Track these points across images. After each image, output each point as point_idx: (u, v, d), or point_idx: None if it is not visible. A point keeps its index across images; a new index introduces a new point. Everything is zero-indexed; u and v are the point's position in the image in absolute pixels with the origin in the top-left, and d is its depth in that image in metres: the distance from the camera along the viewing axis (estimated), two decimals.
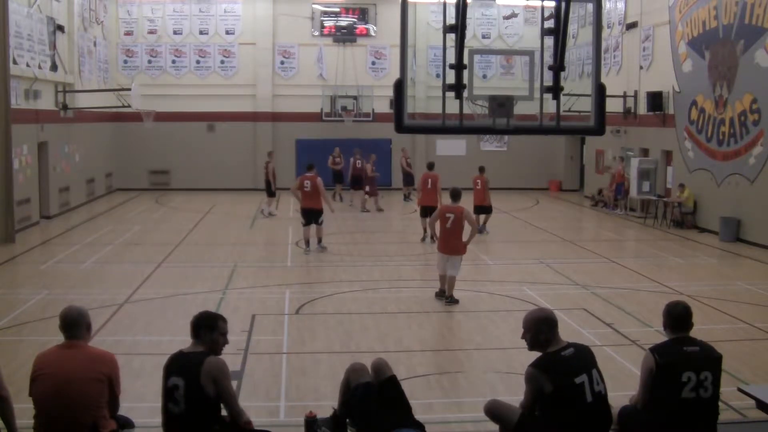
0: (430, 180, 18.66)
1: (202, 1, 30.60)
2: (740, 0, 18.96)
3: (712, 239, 19.39)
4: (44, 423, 5.33)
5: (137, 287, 13.58)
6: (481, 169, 20.59)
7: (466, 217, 12.65)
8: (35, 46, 20.62)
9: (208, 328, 5.50)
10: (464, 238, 12.74)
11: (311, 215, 17.16)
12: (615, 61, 26.59)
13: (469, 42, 6.75)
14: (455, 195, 13.01)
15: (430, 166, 19.63)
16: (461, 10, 6.37)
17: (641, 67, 24.66)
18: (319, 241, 17.47)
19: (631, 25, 25.28)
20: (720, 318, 11.69)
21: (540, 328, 5.51)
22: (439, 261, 12.92)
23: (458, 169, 28.28)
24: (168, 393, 5.38)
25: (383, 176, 30.75)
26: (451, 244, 12.60)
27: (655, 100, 23.07)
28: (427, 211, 18.15)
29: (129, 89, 24.97)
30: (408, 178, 27.51)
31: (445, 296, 12.65)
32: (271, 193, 23.61)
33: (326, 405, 6.85)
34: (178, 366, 5.42)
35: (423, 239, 18.79)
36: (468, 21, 6.50)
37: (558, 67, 6.63)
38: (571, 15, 6.74)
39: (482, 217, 20.08)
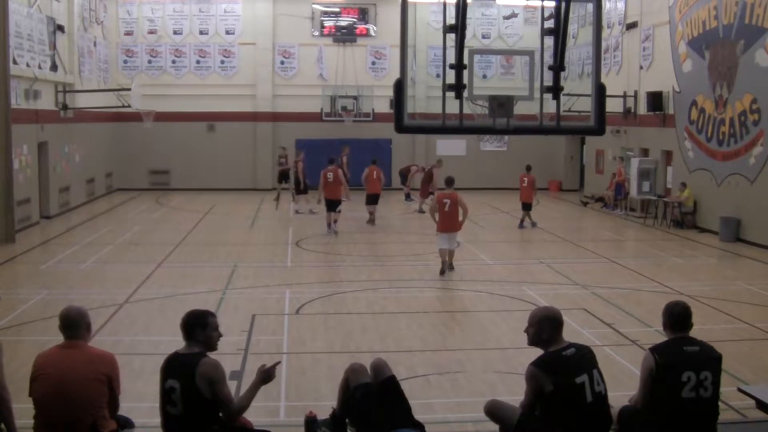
0: (375, 172, 22.00)
1: (202, 1, 30.59)
2: (740, 0, 18.96)
3: (712, 239, 19.39)
4: (44, 423, 5.33)
5: (137, 287, 13.58)
6: (528, 168, 22.32)
7: (459, 201, 14.86)
8: (35, 46, 20.62)
9: (201, 326, 5.50)
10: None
11: (332, 204, 19.91)
12: (615, 61, 26.59)
13: (469, 42, 6.74)
14: (450, 182, 15.28)
15: (375, 162, 23.00)
16: (461, 10, 6.36)
17: (641, 67, 24.66)
18: (335, 222, 20.03)
19: (631, 25, 25.28)
20: (720, 318, 11.69)
21: (543, 327, 5.51)
22: (440, 240, 15.01)
23: (458, 169, 28.32)
24: (165, 395, 5.39)
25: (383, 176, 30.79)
26: (450, 224, 14.83)
27: (655, 100, 23.06)
28: (372, 199, 21.68)
29: (129, 89, 24.97)
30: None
31: (449, 266, 14.97)
32: (300, 191, 24.00)
33: (326, 405, 6.84)
34: (173, 368, 5.41)
35: (370, 222, 21.56)
36: (468, 21, 6.50)
37: (558, 67, 6.62)
38: (571, 15, 6.74)
39: (527, 213, 21.57)
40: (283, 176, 26.20)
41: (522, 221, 21.60)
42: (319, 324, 11.32)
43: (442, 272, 14.93)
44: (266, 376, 5.66)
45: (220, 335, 5.62)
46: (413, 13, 6.49)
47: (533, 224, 21.53)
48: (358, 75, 30.82)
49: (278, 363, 5.85)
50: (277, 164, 26.86)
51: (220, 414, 5.49)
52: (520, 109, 6.75)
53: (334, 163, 21.00)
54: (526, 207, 21.59)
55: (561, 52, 6.58)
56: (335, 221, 20.06)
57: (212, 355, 5.52)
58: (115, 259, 16.51)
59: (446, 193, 15.01)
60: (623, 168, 25.14)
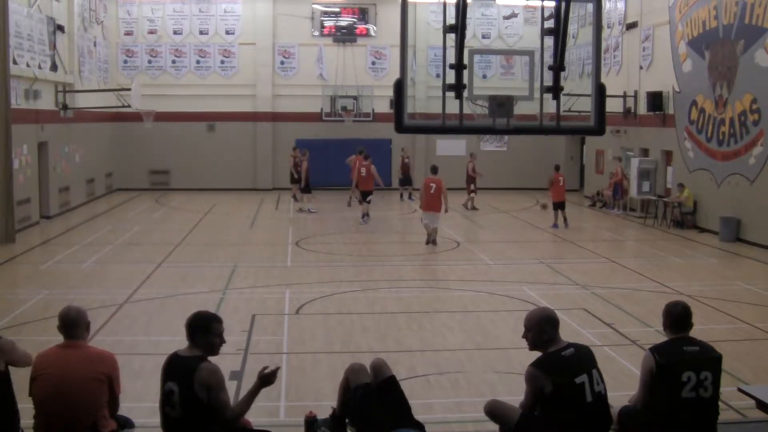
0: (364, 169, 22.32)
1: (202, 1, 30.59)
2: (740, 0, 18.96)
3: (712, 239, 19.39)
4: (44, 423, 5.33)
5: (137, 287, 13.58)
6: (557, 168, 22.66)
7: (441, 187, 17.58)
8: (35, 46, 20.62)
9: (203, 331, 5.43)
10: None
11: (365, 195, 22.03)
12: (615, 61, 26.58)
13: (469, 42, 6.75)
14: (434, 170, 18.60)
15: (364, 155, 23.03)
16: (461, 10, 6.37)
17: (641, 67, 24.65)
18: (366, 214, 21.93)
19: (631, 25, 25.27)
20: (720, 318, 11.69)
21: (543, 328, 5.50)
22: (424, 217, 17.90)
23: (458, 169, 28.31)
24: (165, 397, 5.37)
25: (383, 176, 30.78)
26: (433, 205, 17.61)
27: (655, 100, 23.06)
28: (366, 195, 22.08)
29: (129, 89, 24.96)
30: (406, 179, 27.70)
31: (432, 241, 17.75)
32: (307, 189, 24.34)
33: (326, 405, 6.84)
34: (173, 371, 5.38)
35: (364, 220, 21.94)
36: (468, 21, 6.50)
37: (558, 67, 6.63)
38: (571, 15, 6.74)
39: (560, 213, 21.52)
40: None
41: (556, 221, 21.45)
42: (319, 324, 11.32)
43: (427, 242, 17.87)
44: (266, 380, 5.63)
45: (222, 341, 5.53)
46: (413, 13, 6.52)
47: (558, 225, 21.37)
48: (358, 75, 30.82)
49: (278, 368, 5.81)
50: (292, 164, 26.91)
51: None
52: (520, 109, 6.75)
53: (369, 158, 22.61)
54: (563, 206, 21.51)
55: (561, 52, 6.58)
56: (366, 212, 21.97)
57: (213, 358, 5.47)
58: (115, 259, 16.51)
59: (432, 179, 17.92)
60: (621, 168, 25.11)
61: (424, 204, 17.82)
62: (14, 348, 5.59)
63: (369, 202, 22.04)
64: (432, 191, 17.53)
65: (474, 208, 25.11)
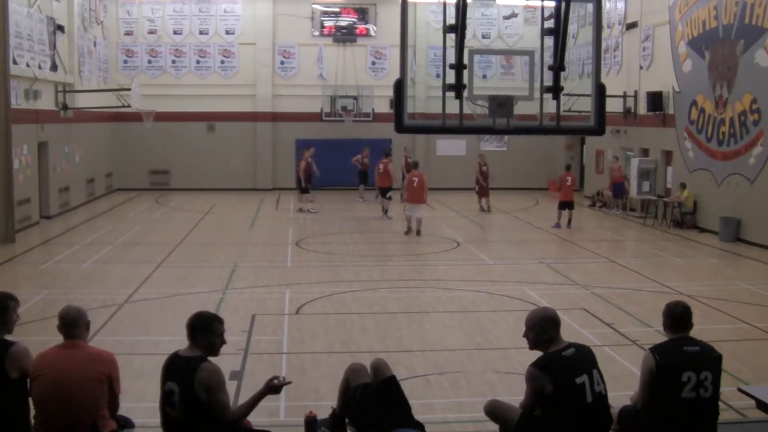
0: (382, 165, 23.38)
1: (202, 1, 30.58)
2: (740, 0, 18.96)
3: (712, 239, 19.39)
4: (44, 423, 5.33)
5: (137, 287, 13.57)
6: (569, 168, 22.86)
7: (423, 181, 19.31)
8: (35, 46, 20.61)
9: (204, 331, 5.43)
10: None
11: (383, 191, 23.02)
12: (615, 61, 26.58)
13: (469, 42, 6.75)
14: (416, 165, 20.77)
15: (386, 152, 24.65)
16: (461, 10, 6.37)
17: (641, 67, 24.65)
18: (386, 211, 22.95)
19: (631, 25, 25.27)
20: (720, 318, 11.69)
21: (544, 328, 5.50)
22: (408, 209, 19.65)
23: (458, 169, 28.39)
24: (165, 397, 5.37)
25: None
26: (416, 197, 19.29)
27: (655, 100, 23.05)
28: (385, 192, 23.07)
29: (129, 89, 24.95)
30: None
31: (417, 232, 19.32)
32: (305, 189, 24.33)
33: (326, 405, 6.84)
34: (173, 371, 5.38)
35: (387, 215, 23.08)
36: (468, 21, 6.51)
37: (558, 67, 6.63)
38: (571, 15, 6.74)
39: (566, 213, 21.56)
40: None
41: (559, 220, 21.43)
42: (319, 324, 11.31)
43: (407, 233, 19.44)
44: (274, 389, 5.62)
45: (223, 342, 5.53)
46: (413, 13, 6.49)
47: (562, 225, 21.33)
48: (358, 75, 30.80)
49: (289, 383, 5.80)
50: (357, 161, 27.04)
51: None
52: (520, 109, 6.75)
53: (389, 156, 24.00)
54: (570, 206, 21.43)
55: (561, 52, 6.58)
56: (386, 209, 22.99)
57: (213, 359, 5.47)
58: (115, 259, 16.51)
59: (414, 173, 19.71)
60: (617, 167, 25.07)
61: (407, 196, 19.52)
62: (28, 355, 5.56)
63: (389, 198, 22.91)
64: (415, 185, 19.21)
65: (486, 209, 24.86)
